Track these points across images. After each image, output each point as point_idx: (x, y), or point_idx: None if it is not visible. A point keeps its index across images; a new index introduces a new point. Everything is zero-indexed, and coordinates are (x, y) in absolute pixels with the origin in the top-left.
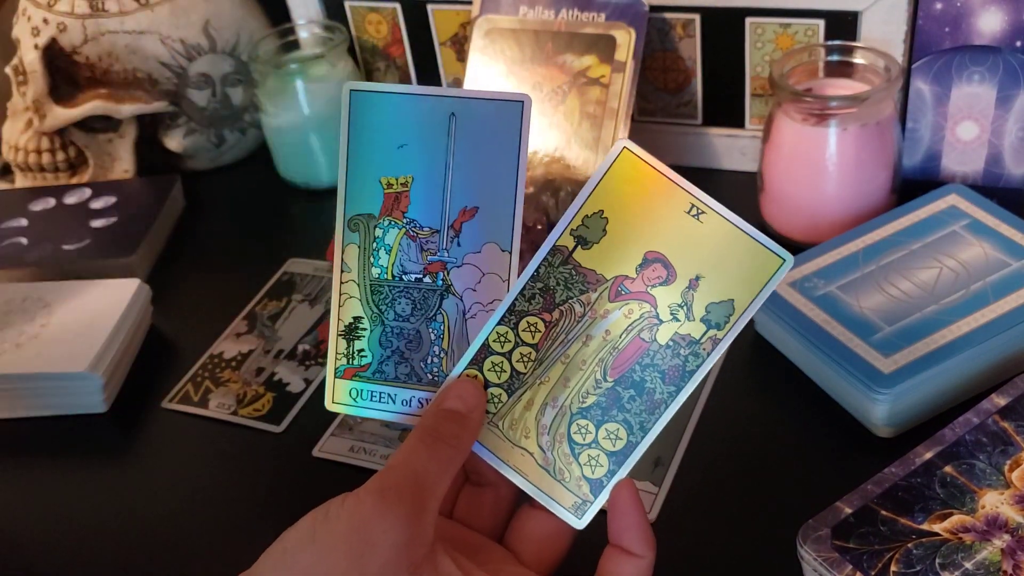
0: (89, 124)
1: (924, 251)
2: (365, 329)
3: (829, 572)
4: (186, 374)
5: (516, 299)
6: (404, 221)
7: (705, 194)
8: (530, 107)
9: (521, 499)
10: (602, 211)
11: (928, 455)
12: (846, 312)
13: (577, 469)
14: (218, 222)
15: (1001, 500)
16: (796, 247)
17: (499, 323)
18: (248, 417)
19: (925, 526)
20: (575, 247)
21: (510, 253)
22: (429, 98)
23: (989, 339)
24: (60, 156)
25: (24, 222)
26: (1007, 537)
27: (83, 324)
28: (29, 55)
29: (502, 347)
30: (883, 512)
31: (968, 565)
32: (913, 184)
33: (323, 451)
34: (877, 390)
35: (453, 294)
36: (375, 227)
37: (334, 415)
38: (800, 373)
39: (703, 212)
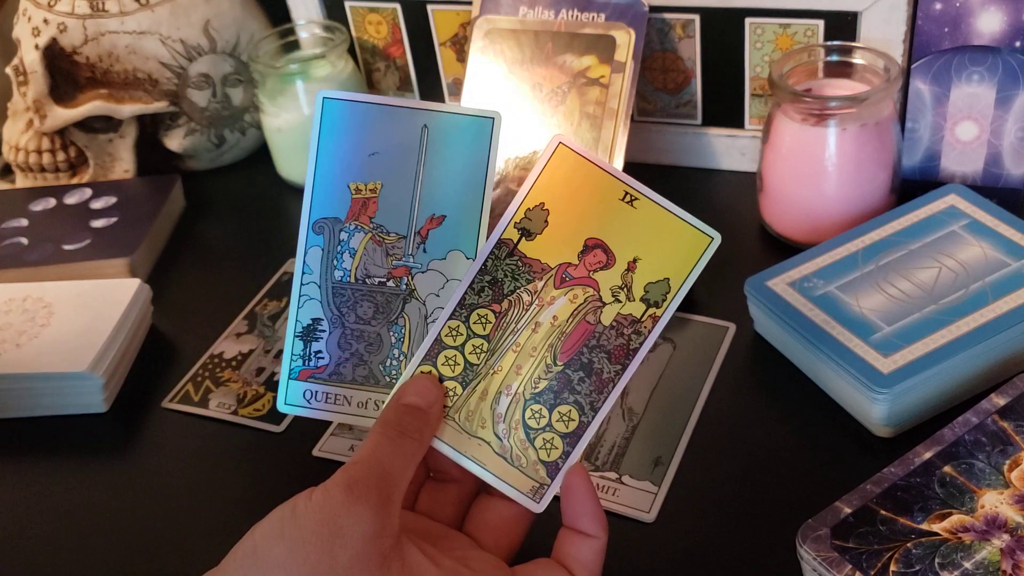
0: (89, 124)
1: (923, 251)
2: (324, 331)
3: (829, 572)
4: (186, 374)
5: (466, 293)
6: (371, 226)
7: (636, 181)
8: (500, 123)
9: (481, 489)
10: (543, 203)
11: (927, 455)
12: (845, 312)
13: (533, 453)
14: (218, 222)
15: (1000, 500)
16: (796, 247)
17: (450, 317)
18: (248, 417)
19: (924, 526)
20: (519, 239)
21: (475, 261)
22: (402, 109)
23: (989, 339)
24: (60, 156)
25: (24, 222)
26: (1006, 537)
27: (83, 324)
28: (29, 55)
29: (454, 340)
30: (882, 512)
31: (967, 565)
32: (913, 184)
33: (323, 451)
34: (876, 390)
35: (416, 298)
36: (340, 231)
37: None
38: (800, 373)
39: (636, 198)
